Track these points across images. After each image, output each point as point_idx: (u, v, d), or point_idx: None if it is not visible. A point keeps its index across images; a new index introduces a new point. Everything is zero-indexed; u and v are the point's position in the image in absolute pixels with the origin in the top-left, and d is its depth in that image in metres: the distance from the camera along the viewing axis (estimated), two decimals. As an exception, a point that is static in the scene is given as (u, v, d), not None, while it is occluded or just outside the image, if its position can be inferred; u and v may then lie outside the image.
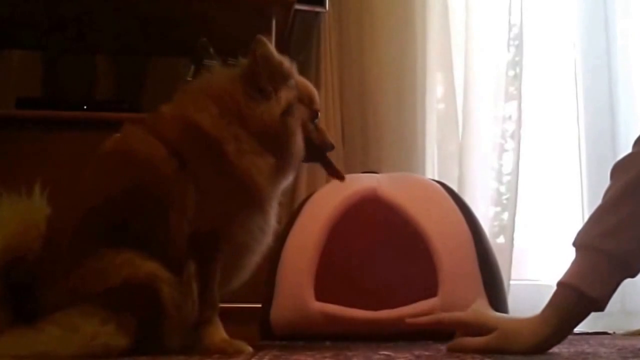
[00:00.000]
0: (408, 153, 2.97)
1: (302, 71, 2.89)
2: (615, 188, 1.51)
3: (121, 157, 1.59)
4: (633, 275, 1.49)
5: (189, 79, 2.42)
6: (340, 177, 1.79)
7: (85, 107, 2.41)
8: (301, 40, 3.00)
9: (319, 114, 1.75)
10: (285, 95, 1.62)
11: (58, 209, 1.56)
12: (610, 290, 1.46)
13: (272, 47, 1.63)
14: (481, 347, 1.50)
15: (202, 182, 1.53)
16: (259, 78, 1.60)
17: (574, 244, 1.52)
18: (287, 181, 1.69)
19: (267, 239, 1.65)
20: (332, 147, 1.77)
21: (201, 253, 1.53)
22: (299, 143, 1.64)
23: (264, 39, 1.62)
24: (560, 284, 1.49)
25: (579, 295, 1.45)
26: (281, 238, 2.14)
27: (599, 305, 1.46)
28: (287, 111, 1.62)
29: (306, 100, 1.69)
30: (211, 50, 2.47)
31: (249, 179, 1.56)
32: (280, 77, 1.63)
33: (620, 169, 1.53)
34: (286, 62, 1.67)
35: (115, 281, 1.44)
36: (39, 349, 1.37)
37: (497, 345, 1.48)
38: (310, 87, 1.74)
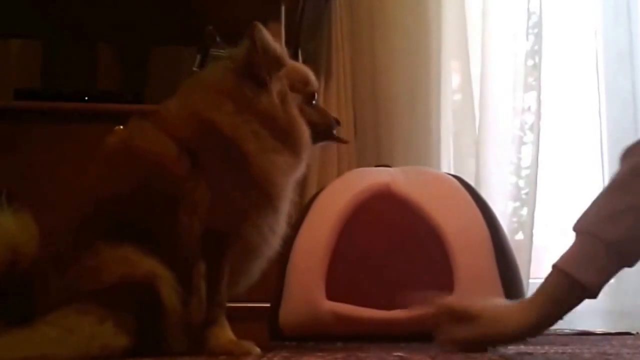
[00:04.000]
0: (422, 146, 2.96)
1: (313, 61, 2.93)
2: (620, 173, 1.51)
3: (129, 154, 1.59)
4: (631, 265, 1.49)
5: (195, 69, 2.41)
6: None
7: (86, 98, 2.40)
8: (311, 28, 2.99)
9: (317, 95, 1.75)
10: (276, 86, 1.62)
11: (60, 205, 1.56)
12: (604, 278, 1.47)
13: (268, 33, 1.63)
14: (469, 334, 1.50)
15: (216, 181, 1.54)
16: (259, 68, 1.60)
17: (574, 228, 1.53)
18: (299, 174, 1.69)
19: (277, 241, 1.66)
20: (337, 124, 1.78)
21: (212, 253, 1.54)
22: (304, 130, 1.65)
23: (260, 24, 1.62)
24: (553, 268, 1.50)
25: (572, 282, 1.46)
26: (291, 234, 2.13)
27: (592, 292, 1.46)
28: (282, 100, 1.62)
29: (298, 85, 1.69)
30: (218, 39, 2.46)
31: (267, 178, 1.57)
32: (274, 66, 1.63)
33: (629, 154, 1.53)
34: (279, 48, 1.67)
35: (112, 279, 1.44)
36: (36, 351, 1.36)
37: (484, 331, 1.49)
38: (303, 69, 1.74)
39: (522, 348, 1.74)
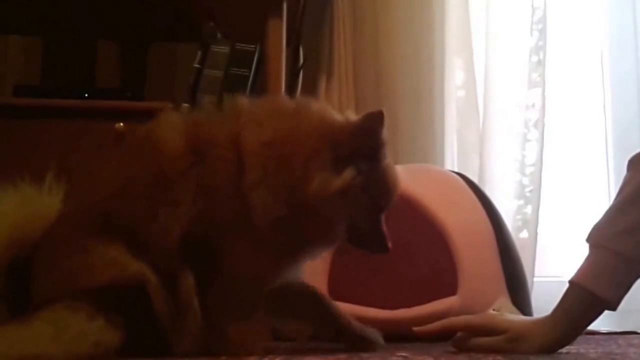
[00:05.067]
0: (426, 143, 2.95)
1: (315, 57, 2.93)
2: (633, 185, 1.51)
3: (141, 145, 1.58)
4: None
5: (195, 65, 2.41)
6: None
7: (86, 95, 2.40)
8: (313, 24, 2.98)
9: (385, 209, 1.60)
10: (350, 176, 1.50)
11: (71, 196, 1.56)
12: (623, 291, 1.47)
13: (384, 125, 1.53)
14: (491, 346, 1.51)
15: (208, 188, 1.49)
16: (352, 152, 1.50)
17: (588, 241, 1.53)
18: (296, 262, 1.61)
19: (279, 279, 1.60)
20: (385, 251, 1.61)
21: (199, 262, 1.48)
22: (332, 230, 1.55)
23: (383, 115, 1.53)
24: (571, 284, 1.51)
25: (590, 296, 1.47)
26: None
27: (611, 305, 1.47)
28: (345, 194, 1.49)
29: (375, 191, 1.55)
30: (219, 35, 2.46)
31: (253, 213, 1.48)
32: (363, 159, 1.52)
33: (638, 162, 1.53)
34: (385, 146, 1.56)
35: (102, 280, 1.43)
36: (30, 349, 1.34)
37: (507, 345, 1.50)
38: (393, 182, 1.60)
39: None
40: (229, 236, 1.49)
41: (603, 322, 2.73)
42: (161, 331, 1.44)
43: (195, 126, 1.56)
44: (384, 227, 1.60)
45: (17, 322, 1.40)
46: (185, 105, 2.37)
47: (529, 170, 2.98)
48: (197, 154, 1.51)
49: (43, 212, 1.53)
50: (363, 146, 1.52)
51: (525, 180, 2.97)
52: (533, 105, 3.01)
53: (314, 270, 2.08)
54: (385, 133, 1.54)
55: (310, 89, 2.95)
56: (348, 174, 1.49)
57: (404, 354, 1.51)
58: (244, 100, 1.61)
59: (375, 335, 1.68)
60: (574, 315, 1.49)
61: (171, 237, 1.46)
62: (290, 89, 2.73)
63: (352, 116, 1.58)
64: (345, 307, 2.04)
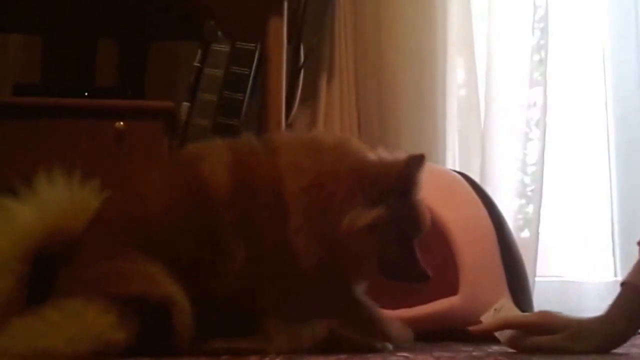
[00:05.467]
0: (427, 142, 2.95)
1: (316, 56, 2.92)
2: None
3: (189, 173, 1.58)
4: None
5: (196, 64, 2.41)
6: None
7: (86, 94, 2.40)
8: (314, 23, 2.98)
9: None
10: (378, 212, 1.51)
11: (112, 203, 1.56)
12: None
13: (422, 170, 1.56)
14: (549, 345, 1.52)
15: (255, 236, 1.51)
16: (388, 194, 1.52)
17: (639, 244, 1.56)
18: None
19: None
20: (425, 279, 1.62)
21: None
22: (363, 265, 1.57)
23: (424, 157, 1.56)
24: (625, 284, 1.53)
25: None
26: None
27: None
28: (371, 227, 1.51)
29: (403, 223, 1.56)
30: (219, 34, 2.46)
31: (298, 260, 1.50)
32: (395, 196, 1.54)
33: None
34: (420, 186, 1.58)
35: (133, 291, 1.43)
36: (33, 344, 1.36)
37: (565, 344, 1.51)
38: (423, 212, 1.61)
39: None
40: (275, 278, 1.52)
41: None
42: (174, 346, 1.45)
43: (239, 164, 1.57)
44: (418, 255, 1.60)
45: (30, 312, 1.42)
46: (186, 104, 2.37)
47: (530, 169, 2.97)
48: (242, 197, 1.52)
49: (82, 207, 1.56)
50: (400, 187, 1.54)
51: (527, 180, 2.97)
52: (535, 104, 3.01)
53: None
54: (420, 179, 1.56)
55: (311, 88, 2.95)
56: (377, 210, 1.50)
57: (405, 354, 1.51)
58: (283, 138, 1.66)
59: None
60: (628, 314, 1.51)
61: (221, 282, 1.49)
62: (291, 88, 2.73)
63: (385, 154, 1.60)
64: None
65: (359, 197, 1.51)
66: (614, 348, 1.53)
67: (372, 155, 1.59)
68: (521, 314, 1.68)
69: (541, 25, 3.03)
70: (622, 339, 1.53)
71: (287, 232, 1.50)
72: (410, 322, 1.94)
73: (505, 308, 1.93)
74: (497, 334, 1.65)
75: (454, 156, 3.01)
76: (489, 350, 1.69)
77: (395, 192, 1.53)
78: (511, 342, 1.60)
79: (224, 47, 2.42)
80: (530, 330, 1.58)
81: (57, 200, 1.56)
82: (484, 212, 2.20)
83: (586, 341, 1.50)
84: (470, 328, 1.69)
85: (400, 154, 1.59)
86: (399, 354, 1.52)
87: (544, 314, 1.59)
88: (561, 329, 1.53)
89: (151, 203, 1.55)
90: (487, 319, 1.86)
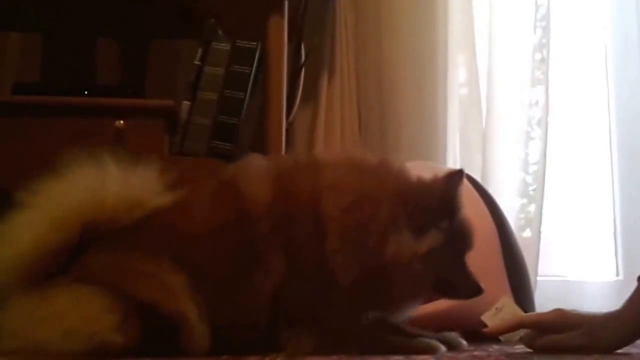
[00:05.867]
0: (428, 141, 2.95)
1: (317, 55, 2.92)
2: None
3: (221, 189, 1.59)
4: None
5: (196, 62, 2.41)
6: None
7: (86, 92, 2.39)
8: (315, 21, 2.98)
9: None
10: (434, 239, 1.50)
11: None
12: None
13: (461, 184, 1.54)
14: (566, 343, 1.52)
15: (295, 252, 1.50)
16: (435, 216, 1.50)
17: None
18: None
19: None
20: (480, 293, 1.58)
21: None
22: (417, 290, 1.55)
23: (463, 173, 1.55)
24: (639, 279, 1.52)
25: None
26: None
27: None
28: (425, 259, 1.48)
29: (456, 242, 1.55)
30: (220, 32, 2.45)
31: (337, 283, 1.48)
32: (444, 218, 1.52)
33: None
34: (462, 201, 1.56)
35: (148, 297, 1.43)
36: (31, 328, 1.38)
37: (583, 340, 1.51)
38: (470, 226, 1.60)
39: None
40: (313, 295, 1.50)
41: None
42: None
43: (280, 181, 1.56)
44: (469, 268, 1.59)
45: (38, 290, 1.44)
46: (187, 103, 2.37)
47: (532, 168, 2.97)
48: (282, 213, 1.52)
49: (142, 197, 1.56)
50: (443, 207, 1.52)
51: (529, 179, 2.97)
52: (536, 103, 3.00)
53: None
54: (460, 194, 1.55)
55: (312, 87, 2.94)
56: (430, 236, 1.49)
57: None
58: (326, 156, 1.65)
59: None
60: None
61: (260, 299, 1.48)
62: (292, 87, 2.73)
63: (421, 170, 1.60)
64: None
65: (402, 221, 1.49)
66: (630, 343, 1.52)
67: (412, 176, 1.57)
68: (536, 313, 1.67)
69: (543, 23, 3.02)
70: (638, 335, 1.52)
71: (325, 251, 1.48)
72: (411, 322, 1.94)
73: (506, 307, 1.93)
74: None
75: (455, 155, 3.01)
76: (490, 349, 1.68)
77: (441, 212, 1.51)
78: (526, 341, 1.60)
79: (224, 46, 2.41)
80: (545, 329, 1.58)
81: (118, 186, 1.55)
82: (485, 211, 2.19)
83: (602, 337, 1.50)
84: (486, 330, 1.69)
85: (437, 171, 1.58)
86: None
87: (559, 312, 1.58)
88: (577, 327, 1.52)
89: (195, 219, 1.54)
90: (488, 318, 1.86)
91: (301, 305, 1.49)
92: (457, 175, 1.55)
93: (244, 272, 1.49)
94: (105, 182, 1.53)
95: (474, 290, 1.57)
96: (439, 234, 1.50)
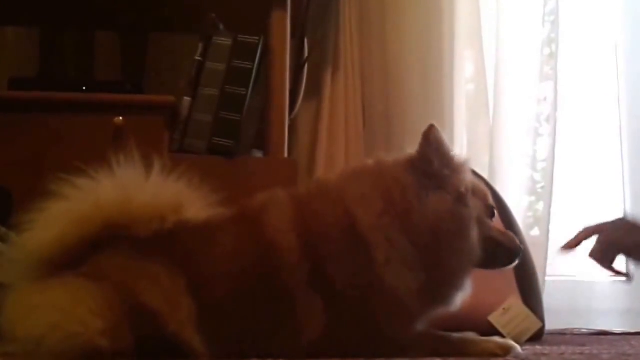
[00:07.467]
0: (434, 138, 2.94)
1: (320, 50, 2.92)
2: None
3: (253, 229, 1.54)
4: None
5: (197, 58, 2.40)
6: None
7: (84, 88, 2.39)
8: (319, 15, 2.97)
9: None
10: (457, 182, 1.52)
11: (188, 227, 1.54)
12: None
13: (443, 135, 1.56)
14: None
15: (337, 292, 1.46)
16: (432, 163, 1.52)
17: None
18: (444, 306, 1.56)
19: None
20: (519, 251, 1.61)
21: None
22: (472, 241, 1.52)
23: (435, 125, 1.56)
24: None
25: None
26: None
27: None
28: (460, 199, 1.51)
29: (480, 195, 1.58)
30: (221, 27, 2.45)
31: (394, 295, 1.46)
32: (452, 164, 1.54)
33: None
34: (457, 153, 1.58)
35: (151, 303, 1.41)
36: (24, 316, 1.38)
37: None
38: (483, 184, 1.63)
39: (538, 348, 1.72)
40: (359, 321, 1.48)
41: (616, 323, 2.73)
42: None
43: (303, 215, 1.53)
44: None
45: (42, 281, 1.44)
46: (187, 99, 2.36)
47: (540, 165, 2.97)
48: (313, 248, 1.48)
49: (167, 210, 1.53)
50: (440, 154, 1.54)
51: (537, 176, 2.97)
52: (545, 99, 3.00)
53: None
54: (447, 144, 1.57)
55: (316, 82, 2.94)
56: (454, 180, 1.52)
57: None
58: (337, 175, 1.63)
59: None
60: None
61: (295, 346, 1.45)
62: (295, 83, 2.72)
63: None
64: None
65: (423, 187, 1.50)
66: None
67: (402, 156, 1.59)
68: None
69: (552, 18, 3.02)
70: None
71: (375, 266, 1.46)
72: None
73: (514, 308, 1.92)
74: (501, 329, 1.64)
75: (462, 151, 3.00)
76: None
77: (439, 162, 1.53)
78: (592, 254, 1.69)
79: (225, 41, 2.40)
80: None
81: (150, 196, 1.54)
82: (492, 209, 2.19)
83: None
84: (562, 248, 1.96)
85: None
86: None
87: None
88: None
89: (216, 253, 1.51)
90: (496, 318, 1.85)
91: (344, 336, 1.47)
92: (428, 130, 1.56)
93: (281, 322, 1.46)
94: (138, 188, 1.53)
95: (517, 250, 1.60)
96: (462, 177, 1.54)
